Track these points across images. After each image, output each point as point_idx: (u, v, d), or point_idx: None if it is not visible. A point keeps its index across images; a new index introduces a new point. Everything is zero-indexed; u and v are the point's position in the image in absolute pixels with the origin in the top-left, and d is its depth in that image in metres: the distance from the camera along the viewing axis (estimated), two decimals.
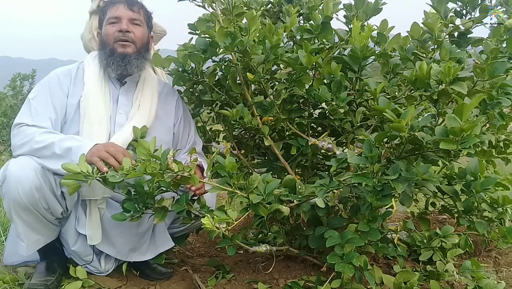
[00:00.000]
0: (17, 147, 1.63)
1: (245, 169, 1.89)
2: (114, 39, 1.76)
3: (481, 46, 1.62)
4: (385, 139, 1.42)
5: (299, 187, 1.51)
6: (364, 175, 1.32)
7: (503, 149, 1.96)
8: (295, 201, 1.54)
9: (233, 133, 1.98)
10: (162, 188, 1.57)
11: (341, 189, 1.49)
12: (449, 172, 1.59)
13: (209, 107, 2.02)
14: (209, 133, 2.15)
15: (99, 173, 1.45)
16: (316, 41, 1.68)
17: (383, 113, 1.28)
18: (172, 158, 1.40)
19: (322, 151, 1.77)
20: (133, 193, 1.58)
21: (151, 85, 1.87)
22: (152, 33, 1.92)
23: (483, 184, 1.39)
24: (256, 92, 1.83)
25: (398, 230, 1.73)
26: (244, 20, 1.69)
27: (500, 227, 1.50)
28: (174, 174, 1.41)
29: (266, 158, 2.02)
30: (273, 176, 1.66)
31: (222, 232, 1.39)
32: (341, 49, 1.73)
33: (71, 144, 1.56)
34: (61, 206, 1.65)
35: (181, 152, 1.87)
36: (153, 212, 1.61)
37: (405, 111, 1.26)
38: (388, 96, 1.60)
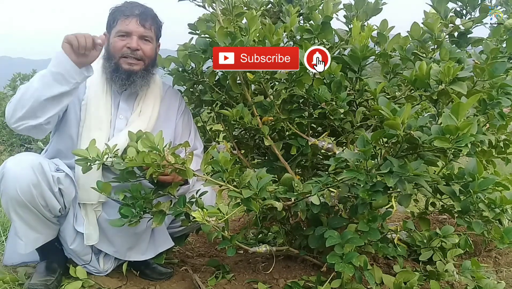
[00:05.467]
0: (10, 117, 1.59)
1: (245, 169, 1.89)
2: (121, 54, 1.72)
3: (481, 46, 1.63)
4: (384, 139, 1.42)
5: (296, 185, 1.51)
6: (357, 170, 1.32)
7: (503, 149, 1.96)
8: (292, 199, 1.54)
9: (233, 133, 1.98)
10: (159, 191, 1.57)
11: (340, 189, 1.49)
12: (448, 172, 1.59)
13: (209, 107, 2.02)
14: (209, 133, 2.15)
15: (107, 158, 1.48)
16: (316, 41, 1.68)
17: (380, 111, 1.28)
18: (168, 151, 1.40)
19: (322, 151, 1.77)
20: (129, 198, 1.58)
21: (154, 91, 1.84)
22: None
23: (481, 184, 1.39)
24: (256, 92, 1.83)
25: (398, 230, 1.73)
26: (244, 20, 1.69)
27: (497, 227, 1.49)
28: (171, 166, 1.41)
29: (266, 158, 2.02)
30: (273, 176, 1.66)
31: (220, 232, 1.39)
32: (341, 49, 1.73)
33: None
34: (59, 203, 1.65)
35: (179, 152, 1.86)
36: (151, 216, 1.61)
37: (401, 109, 1.26)
38: (388, 96, 1.60)
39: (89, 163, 1.47)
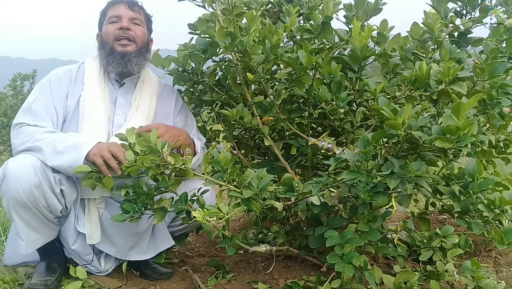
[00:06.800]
0: (18, 146, 1.64)
1: (245, 169, 1.89)
2: (114, 37, 1.76)
3: (481, 46, 1.62)
4: (384, 139, 1.42)
5: (296, 185, 1.52)
6: (357, 172, 1.32)
7: (503, 149, 1.96)
8: (293, 199, 1.54)
9: (233, 133, 1.98)
10: (161, 188, 1.57)
11: (340, 189, 1.49)
12: (448, 172, 1.59)
13: (209, 107, 2.02)
14: (209, 133, 2.15)
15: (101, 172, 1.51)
16: (316, 41, 1.68)
17: (381, 111, 1.28)
18: (167, 152, 1.41)
19: (322, 151, 1.77)
20: (131, 194, 1.59)
21: (150, 86, 1.87)
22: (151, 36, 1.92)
23: (481, 185, 1.39)
24: (256, 92, 1.83)
25: (398, 230, 1.73)
26: (244, 20, 1.69)
27: (496, 228, 1.49)
28: (171, 167, 1.42)
29: (266, 158, 2.02)
30: (274, 176, 1.67)
31: (220, 231, 1.39)
32: (341, 49, 1.73)
33: (74, 141, 1.58)
34: (60, 204, 1.65)
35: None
36: (153, 213, 1.61)
37: (402, 109, 1.27)
38: (388, 96, 1.60)
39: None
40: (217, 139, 2.14)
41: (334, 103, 1.55)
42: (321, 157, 1.92)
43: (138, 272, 1.89)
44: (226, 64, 1.77)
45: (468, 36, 1.75)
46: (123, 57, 1.75)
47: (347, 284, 1.61)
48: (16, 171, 1.54)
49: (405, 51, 1.60)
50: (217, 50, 1.66)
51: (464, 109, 1.21)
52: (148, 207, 1.59)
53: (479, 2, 1.69)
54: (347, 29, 1.83)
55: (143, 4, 1.87)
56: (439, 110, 1.44)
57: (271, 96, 1.75)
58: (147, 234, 1.84)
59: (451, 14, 1.73)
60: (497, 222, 1.48)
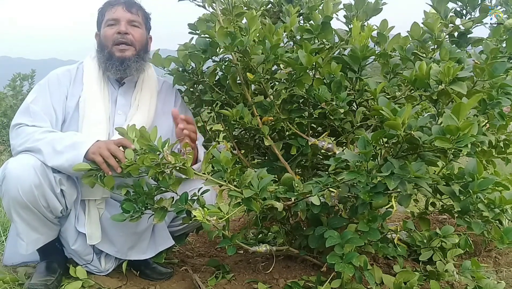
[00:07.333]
0: (18, 147, 1.64)
1: (245, 169, 1.89)
2: (112, 42, 1.76)
3: (481, 46, 1.62)
4: (384, 139, 1.42)
5: (296, 185, 1.52)
6: (357, 172, 1.32)
7: (503, 149, 1.96)
8: (293, 199, 1.54)
9: (233, 133, 1.98)
10: (161, 188, 1.58)
11: (340, 189, 1.49)
12: (448, 172, 1.59)
13: (209, 107, 2.02)
14: (209, 133, 2.15)
15: (101, 171, 1.51)
16: (316, 41, 1.68)
17: (380, 111, 1.28)
18: (168, 151, 1.41)
19: (322, 151, 1.77)
20: (132, 193, 1.59)
21: (150, 85, 1.87)
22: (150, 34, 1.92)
23: (481, 184, 1.39)
24: (256, 92, 1.83)
25: (398, 230, 1.73)
26: (244, 20, 1.69)
27: (496, 227, 1.49)
28: (171, 166, 1.42)
29: (266, 158, 2.02)
30: (274, 176, 1.67)
31: (220, 230, 1.39)
32: (341, 49, 1.73)
33: (73, 140, 1.58)
34: (60, 204, 1.65)
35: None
36: (153, 213, 1.61)
37: (402, 109, 1.26)
38: (388, 96, 1.60)
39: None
40: (217, 139, 2.14)
41: (334, 103, 1.55)
42: (321, 157, 1.92)
43: (138, 272, 1.89)
44: (226, 64, 1.77)
45: (468, 36, 1.75)
46: (122, 63, 1.75)
47: (347, 284, 1.61)
48: (16, 171, 1.54)
49: (405, 51, 1.59)
50: (217, 50, 1.66)
51: (464, 109, 1.21)
52: (148, 207, 1.59)
53: (479, 2, 1.69)
54: (347, 29, 1.83)
55: (141, 2, 1.86)
56: (439, 110, 1.44)
57: (271, 96, 1.75)
58: (147, 233, 1.84)
59: (451, 14, 1.73)
60: (497, 221, 1.48)
